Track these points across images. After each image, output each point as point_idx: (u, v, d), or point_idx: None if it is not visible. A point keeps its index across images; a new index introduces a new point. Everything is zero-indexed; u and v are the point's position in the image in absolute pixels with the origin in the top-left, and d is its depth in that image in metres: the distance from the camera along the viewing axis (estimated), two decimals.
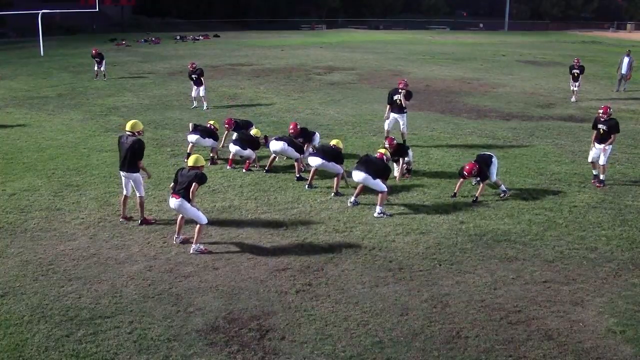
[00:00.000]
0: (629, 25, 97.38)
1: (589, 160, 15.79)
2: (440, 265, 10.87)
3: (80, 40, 60.01)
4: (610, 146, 15.48)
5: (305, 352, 8.30)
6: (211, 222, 12.76)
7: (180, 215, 11.76)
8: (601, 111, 15.59)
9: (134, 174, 12.47)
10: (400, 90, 18.62)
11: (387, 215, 13.18)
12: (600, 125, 15.51)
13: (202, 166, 11.71)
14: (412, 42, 62.39)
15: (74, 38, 62.60)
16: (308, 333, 8.74)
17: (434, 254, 11.33)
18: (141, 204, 12.66)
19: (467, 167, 14.17)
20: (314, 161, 14.71)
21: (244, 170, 16.28)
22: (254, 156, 16.51)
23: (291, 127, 16.65)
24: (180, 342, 8.50)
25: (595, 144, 15.51)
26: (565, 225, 12.78)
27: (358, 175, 13.50)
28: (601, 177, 15.50)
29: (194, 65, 25.85)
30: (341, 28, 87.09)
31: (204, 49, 51.83)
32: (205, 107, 25.04)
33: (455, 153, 18.18)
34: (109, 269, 10.70)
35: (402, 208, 13.64)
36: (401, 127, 18.80)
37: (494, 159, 14.52)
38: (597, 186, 15.32)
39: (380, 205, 13.23)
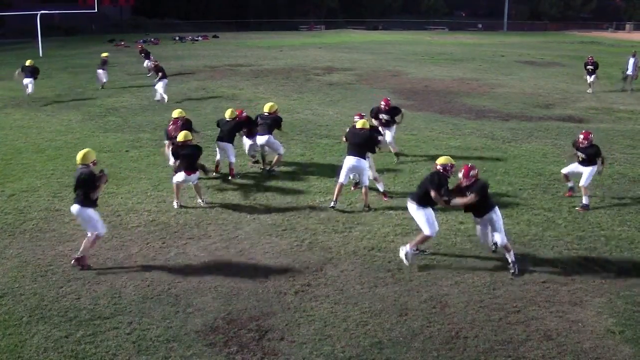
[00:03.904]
0: (627, 26, 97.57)
1: (563, 171, 14.64)
2: (439, 265, 10.88)
3: (79, 41, 60.00)
4: (595, 167, 13.88)
5: (304, 353, 8.30)
6: (210, 222, 12.80)
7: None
8: (581, 137, 13.97)
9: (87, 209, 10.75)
10: (383, 110, 17.22)
11: (421, 251, 11.32)
12: (579, 153, 13.95)
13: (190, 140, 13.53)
14: (411, 43, 62.41)
15: (73, 39, 62.58)
16: (307, 333, 8.74)
17: (433, 254, 11.34)
18: (87, 242, 10.82)
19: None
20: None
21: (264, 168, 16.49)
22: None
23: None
24: (180, 343, 8.50)
25: (576, 164, 14.13)
26: (564, 226, 12.78)
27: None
28: (584, 199, 13.85)
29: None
30: (340, 28, 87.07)
31: (203, 49, 51.82)
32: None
33: (455, 153, 18.11)
34: (109, 269, 10.70)
35: (401, 209, 13.61)
36: (388, 139, 17.17)
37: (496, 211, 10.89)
38: (579, 210, 13.72)
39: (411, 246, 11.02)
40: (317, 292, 9.96)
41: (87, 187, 10.63)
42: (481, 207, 10.69)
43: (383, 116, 17.12)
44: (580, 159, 13.98)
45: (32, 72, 27.76)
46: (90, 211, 10.75)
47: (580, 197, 13.95)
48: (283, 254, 11.37)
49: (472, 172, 10.70)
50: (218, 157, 16.18)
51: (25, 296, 9.78)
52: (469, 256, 11.28)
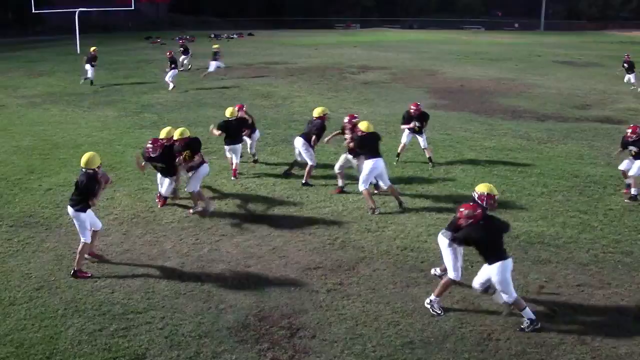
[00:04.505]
0: None
1: (620, 168, 14.82)
2: (472, 266, 10.76)
3: (116, 38, 60.69)
4: None
5: (335, 351, 8.30)
6: (243, 220, 12.86)
7: None
8: (629, 131, 14.32)
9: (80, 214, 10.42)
10: (413, 114, 16.78)
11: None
12: (630, 147, 14.22)
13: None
14: (447, 42, 62.07)
15: (110, 36, 63.31)
16: (338, 332, 8.74)
17: (466, 255, 11.18)
18: (81, 251, 10.50)
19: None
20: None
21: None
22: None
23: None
24: (211, 339, 8.56)
25: (631, 158, 14.34)
26: (600, 229, 12.60)
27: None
28: (632, 191, 14.25)
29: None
30: (375, 27, 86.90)
31: (238, 47, 52.10)
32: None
33: (490, 154, 18.04)
34: (142, 265, 10.81)
35: (435, 209, 13.56)
36: (422, 144, 16.95)
37: (508, 263, 9.04)
38: (627, 202, 14.15)
39: None
40: (349, 290, 9.95)
41: (87, 192, 10.29)
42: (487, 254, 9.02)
43: (415, 123, 16.69)
44: (633, 153, 14.19)
45: (91, 59, 31.33)
46: (84, 215, 10.35)
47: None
48: (316, 251, 11.39)
49: (467, 213, 8.96)
50: (235, 159, 15.71)
51: (60, 289, 9.93)
52: None
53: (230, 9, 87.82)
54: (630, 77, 31.92)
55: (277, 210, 13.50)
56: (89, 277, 10.31)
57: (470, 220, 8.90)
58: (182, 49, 38.16)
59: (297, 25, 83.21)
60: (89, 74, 31.56)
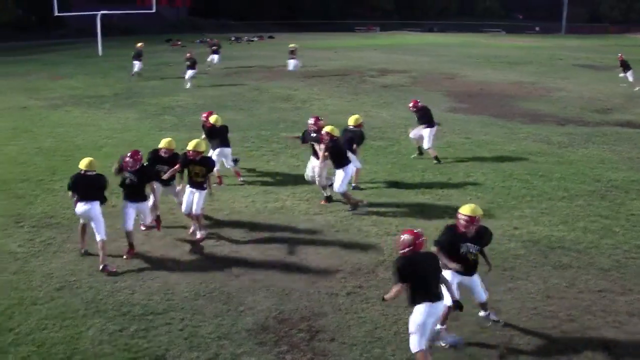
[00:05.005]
0: None
1: None
2: (492, 271, 10.73)
3: (137, 40, 61.01)
4: None
5: (354, 355, 8.30)
6: (263, 223, 12.89)
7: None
8: None
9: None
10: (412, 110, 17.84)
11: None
12: None
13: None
14: (467, 45, 61.84)
15: (131, 39, 63.68)
16: (358, 335, 8.73)
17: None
18: (101, 249, 10.91)
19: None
20: None
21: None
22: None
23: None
24: (231, 341, 8.59)
25: None
26: (622, 234, 12.49)
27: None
28: None
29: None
30: (395, 30, 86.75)
31: (258, 49, 52.26)
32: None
33: (510, 158, 17.96)
34: (162, 266, 10.87)
35: (455, 212, 13.47)
36: (425, 145, 17.47)
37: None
38: None
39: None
40: (369, 294, 9.94)
41: (103, 190, 11.22)
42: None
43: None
44: None
45: (138, 55, 34.84)
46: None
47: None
48: (335, 255, 11.39)
49: (405, 239, 7.96)
50: (226, 163, 15.63)
51: (82, 289, 10.01)
52: (522, 262, 11.11)
53: (250, 12, 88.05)
54: (627, 75, 33.23)
55: (297, 213, 13.51)
56: (114, 272, 10.60)
57: (407, 249, 7.90)
58: (214, 47, 39.32)
59: (317, 28, 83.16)
60: (136, 68, 34.51)
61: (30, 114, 24.65)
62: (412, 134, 17.80)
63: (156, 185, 12.08)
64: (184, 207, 12.16)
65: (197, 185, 12.04)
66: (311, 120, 14.56)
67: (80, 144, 19.29)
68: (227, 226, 12.73)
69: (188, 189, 12.16)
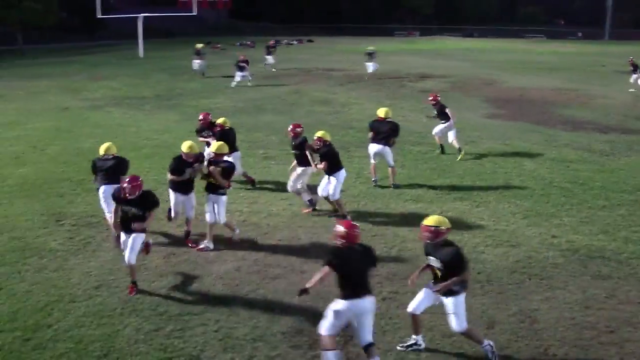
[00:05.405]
0: None
1: None
2: (529, 279, 10.61)
3: (177, 43, 61.65)
4: None
5: None
6: (300, 225, 12.91)
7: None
8: None
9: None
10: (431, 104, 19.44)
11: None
12: None
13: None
14: (507, 51, 61.33)
15: (171, 41, 64.39)
16: (392, 341, 8.68)
17: (524, 267, 11.08)
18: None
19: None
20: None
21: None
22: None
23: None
24: (265, 343, 8.61)
25: None
26: None
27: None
28: None
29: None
30: (435, 35, 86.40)
31: (297, 53, 52.42)
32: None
33: (549, 165, 17.74)
34: (199, 267, 10.95)
35: (493, 219, 13.40)
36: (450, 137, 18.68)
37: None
38: None
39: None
40: (404, 300, 9.85)
41: (120, 172, 11.92)
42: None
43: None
44: None
45: (198, 53, 37.08)
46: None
47: None
48: None
49: (340, 231, 8.01)
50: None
51: (119, 288, 10.12)
52: (560, 272, 10.96)
53: (290, 16, 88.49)
54: (637, 78, 34.21)
55: (334, 217, 13.48)
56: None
57: (342, 241, 7.93)
58: (271, 48, 41.52)
59: (356, 32, 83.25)
60: (196, 67, 36.90)
61: (72, 114, 25.06)
62: (437, 131, 18.93)
63: (174, 195, 12.11)
64: (208, 217, 11.90)
65: (214, 189, 11.83)
66: (290, 127, 14.17)
67: (120, 144, 19.36)
68: (265, 228, 12.77)
69: (208, 195, 11.90)
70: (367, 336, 7.76)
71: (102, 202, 12.08)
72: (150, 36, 58.28)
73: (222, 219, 11.92)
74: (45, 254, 11.46)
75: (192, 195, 12.25)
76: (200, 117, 16.31)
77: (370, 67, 36.82)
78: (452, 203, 14.39)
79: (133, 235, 9.99)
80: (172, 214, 12.29)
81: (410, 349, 8.46)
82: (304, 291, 7.83)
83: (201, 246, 11.78)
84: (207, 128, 15.80)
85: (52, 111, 25.86)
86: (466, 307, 8.23)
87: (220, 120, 15.49)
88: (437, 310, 8.50)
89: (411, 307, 8.37)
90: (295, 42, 66.47)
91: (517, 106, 28.10)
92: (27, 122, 23.89)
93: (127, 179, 10.24)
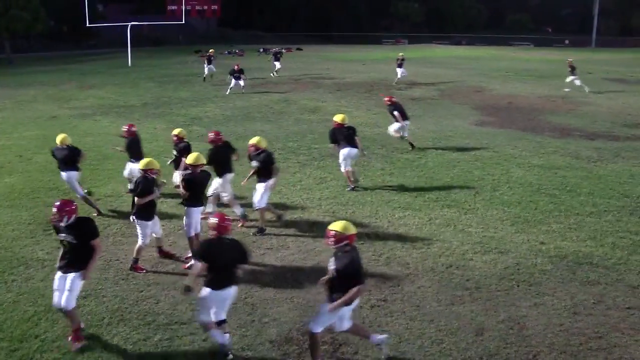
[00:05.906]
0: None
1: None
2: (518, 286, 10.64)
3: (166, 51, 61.60)
4: None
5: None
6: (289, 235, 12.89)
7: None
8: None
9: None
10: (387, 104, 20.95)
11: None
12: None
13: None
14: (495, 58, 61.62)
15: (160, 49, 64.33)
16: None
17: (513, 274, 11.10)
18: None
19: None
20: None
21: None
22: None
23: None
24: (254, 352, 8.58)
25: None
26: None
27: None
28: None
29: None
30: (424, 43, 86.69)
31: (287, 61, 52.39)
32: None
33: (537, 172, 17.80)
34: (186, 276, 10.87)
35: (481, 226, 13.43)
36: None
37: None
38: None
39: None
40: (393, 307, 9.89)
41: (75, 160, 14.38)
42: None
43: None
44: None
45: (208, 59, 38.81)
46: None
47: None
48: None
49: (214, 223, 8.37)
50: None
51: (107, 298, 10.08)
52: (549, 278, 10.98)
53: (279, 24, 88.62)
54: (573, 79, 36.06)
55: (323, 226, 13.47)
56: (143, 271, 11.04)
57: (213, 232, 8.31)
58: (277, 55, 43.37)
59: (345, 41, 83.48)
60: (206, 71, 38.50)
61: (60, 123, 24.97)
62: (392, 129, 20.72)
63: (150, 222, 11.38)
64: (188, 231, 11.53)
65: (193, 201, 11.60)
66: (212, 135, 13.88)
67: (107, 153, 19.45)
68: (252, 238, 12.74)
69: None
70: (222, 315, 8.40)
71: (68, 185, 14.52)
72: (139, 45, 58.25)
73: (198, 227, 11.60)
74: (32, 264, 11.40)
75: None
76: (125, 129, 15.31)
77: (400, 72, 38.23)
78: (441, 210, 14.41)
79: (71, 275, 8.64)
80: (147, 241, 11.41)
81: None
82: (188, 289, 8.55)
83: (187, 266, 11.29)
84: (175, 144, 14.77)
85: (40, 120, 25.79)
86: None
87: (176, 132, 14.76)
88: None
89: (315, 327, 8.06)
90: (283, 51, 66.38)
91: (506, 113, 28.20)
92: (13, 131, 23.82)
93: (58, 203, 8.77)
